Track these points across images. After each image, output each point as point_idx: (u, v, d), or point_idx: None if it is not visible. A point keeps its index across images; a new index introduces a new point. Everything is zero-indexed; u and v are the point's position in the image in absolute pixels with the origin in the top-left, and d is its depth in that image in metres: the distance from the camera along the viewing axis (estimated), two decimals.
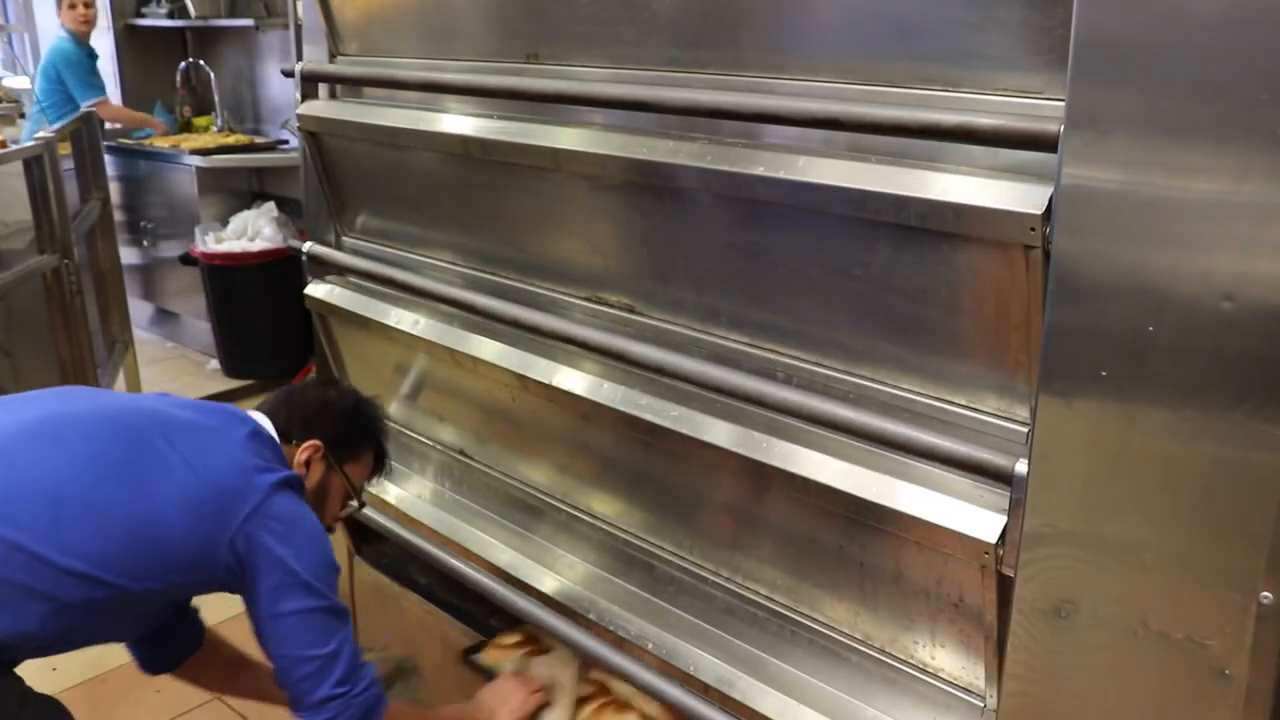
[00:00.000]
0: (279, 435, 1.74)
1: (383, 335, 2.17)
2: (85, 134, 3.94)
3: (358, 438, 1.84)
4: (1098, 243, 1.06)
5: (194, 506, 1.53)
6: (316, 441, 1.75)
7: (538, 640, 2.06)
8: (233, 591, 1.62)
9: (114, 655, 2.71)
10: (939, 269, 1.27)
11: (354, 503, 1.88)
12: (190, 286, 4.99)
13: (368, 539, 2.46)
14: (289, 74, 2.18)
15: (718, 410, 1.56)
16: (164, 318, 5.44)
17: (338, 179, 2.23)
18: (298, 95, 2.17)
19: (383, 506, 2.25)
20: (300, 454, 1.74)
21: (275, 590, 1.57)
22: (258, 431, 1.69)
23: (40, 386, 1.80)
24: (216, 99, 5.37)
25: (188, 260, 4.79)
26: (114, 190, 4.15)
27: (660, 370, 1.58)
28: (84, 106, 4.49)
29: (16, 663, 1.48)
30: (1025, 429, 1.25)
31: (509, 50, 1.79)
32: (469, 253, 2.00)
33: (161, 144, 5.14)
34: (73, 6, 4.84)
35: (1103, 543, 1.13)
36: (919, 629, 1.44)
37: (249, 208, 5.00)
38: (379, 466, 1.90)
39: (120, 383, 4.02)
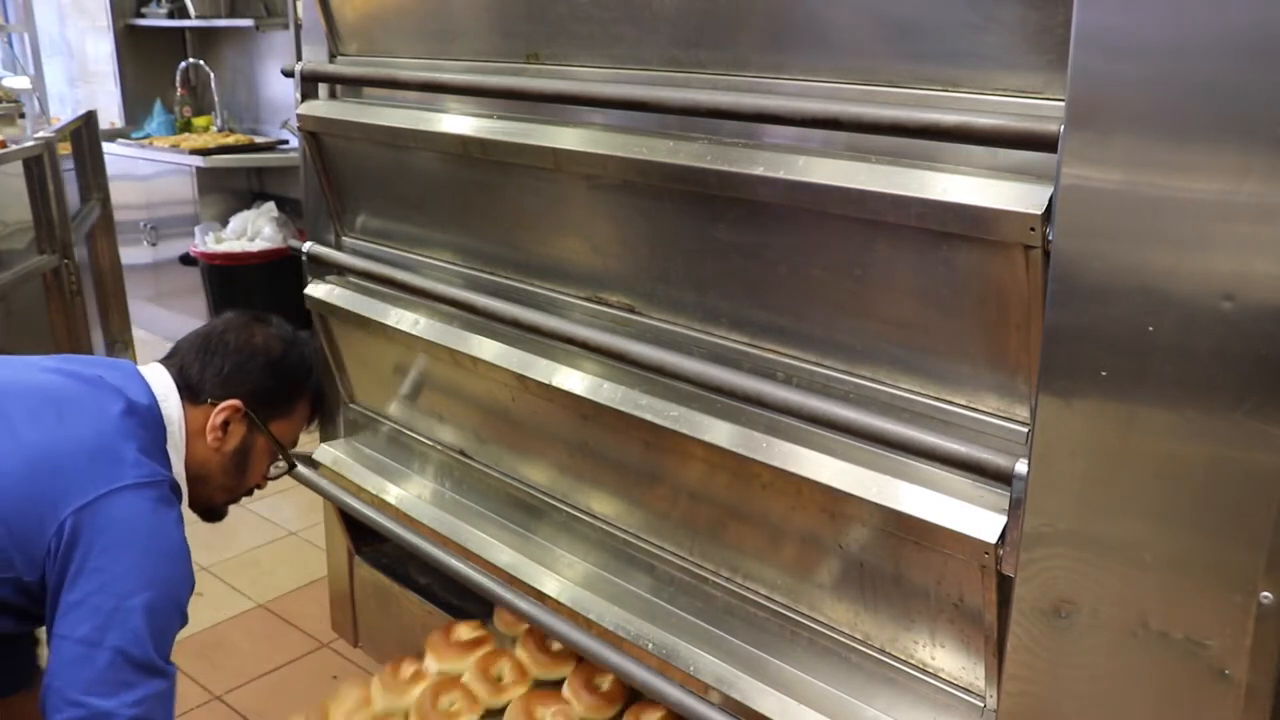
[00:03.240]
0: (187, 393, 1.57)
1: (383, 335, 2.17)
2: (85, 134, 3.93)
3: (287, 391, 1.66)
4: (1098, 243, 1.06)
5: (30, 471, 1.36)
6: (235, 403, 1.58)
7: (491, 637, 2.11)
8: (54, 597, 1.37)
9: None
10: (939, 269, 1.27)
11: (283, 464, 1.72)
12: (190, 286, 4.99)
13: (368, 539, 2.47)
14: (289, 74, 2.18)
15: (718, 410, 1.56)
16: (164, 318, 5.43)
17: (337, 179, 2.23)
18: (297, 95, 2.17)
19: (382, 506, 2.25)
20: (215, 417, 1.57)
21: (76, 606, 1.32)
22: (133, 407, 1.49)
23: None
24: (216, 99, 5.37)
25: (188, 260, 4.79)
26: (114, 190, 4.14)
27: (660, 370, 1.58)
28: None
29: None
30: (1025, 429, 1.25)
31: (509, 50, 1.79)
32: (469, 253, 2.00)
33: (161, 144, 5.14)
34: None
35: (1102, 543, 1.13)
36: (919, 629, 1.44)
37: (249, 208, 5.00)
38: (313, 416, 1.74)
39: None
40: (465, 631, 2.11)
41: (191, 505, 1.68)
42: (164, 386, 1.57)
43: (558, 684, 1.99)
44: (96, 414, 1.46)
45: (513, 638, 2.10)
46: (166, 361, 1.63)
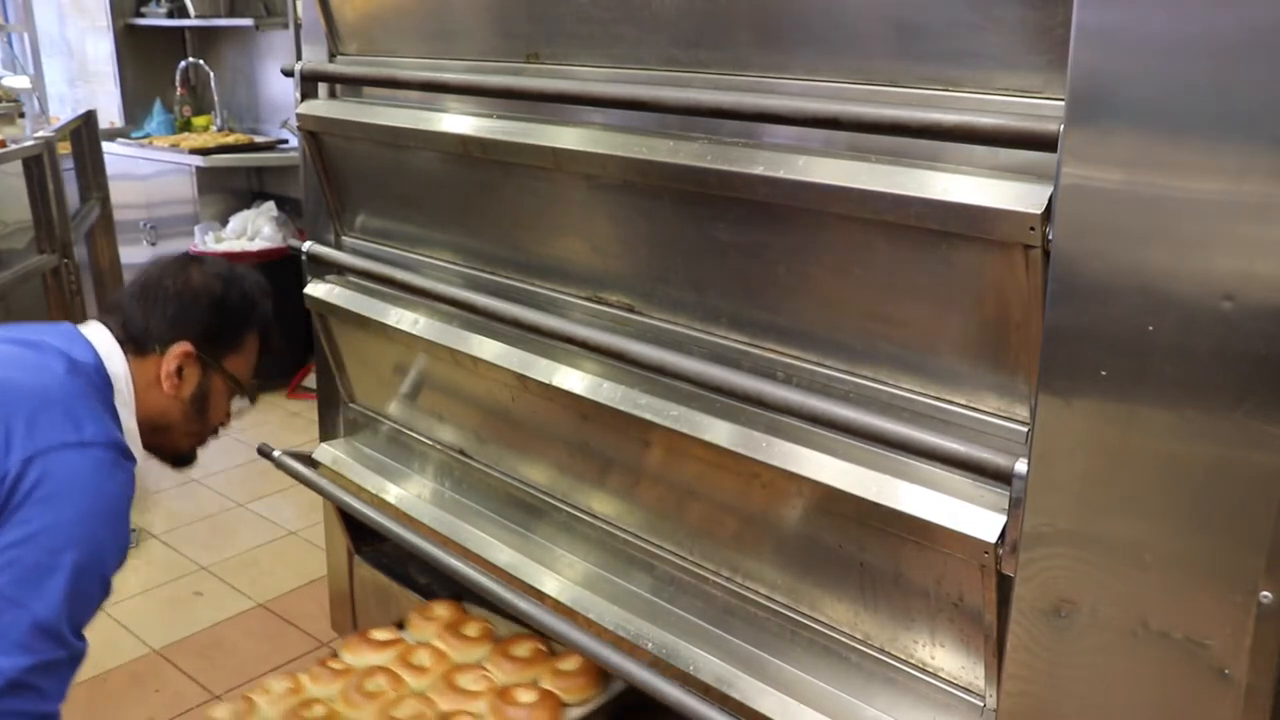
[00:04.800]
0: (133, 346, 1.56)
1: (383, 335, 2.17)
2: (85, 133, 3.93)
3: (235, 326, 1.63)
4: (1098, 243, 1.06)
5: None
6: (185, 347, 1.56)
7: (461, 618, 2.14)
8: None
9: (113, 655, 2.72)
10: (939, 269, 1.27)
11: (246, 400, 1.70)
12: None
13: (367, 539, 2.47)
14: (289, 73, 2.18)
15: (718, 410, 1.56)
16: None
17: (337, 179, 2.23)
18: (297, 95, 2.17)
19: (382, 506, 2.25)
20: (167, 364, 1.55)
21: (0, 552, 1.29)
22: (77, 366, 1.47)
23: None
24: (216, 98, 5.37)
25: None
26: (114, 190, 4.14)
27: (660, 370, 1.58)
28: None
29: None
30: (1025, 429, 1.25)
31: (509, 50, 1.79)
32: (469, 252, 2.00)
33: (161, 143, 5.14)
34: None
35: (1102, 542, 1.13)
36: (919, 629, 1.44)
37: (249, 207, 5.00)
38: (264, 348, 1.71)
39: None
40: (380, 634, 2.14)
41: (160, 455, 1.67)
42: (106, 344, 1.55)
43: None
44: (43, 373, 1.44)
45: (425, 640, 2.13)
46: (106, 318, 1.60)
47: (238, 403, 1.71)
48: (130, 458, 1.48)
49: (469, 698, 1.91)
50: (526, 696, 1.88)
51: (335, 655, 2.12)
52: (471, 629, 2.10)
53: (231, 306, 1.63)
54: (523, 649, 2.02)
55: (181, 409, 1.62)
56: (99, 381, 1.50)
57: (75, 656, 1.35)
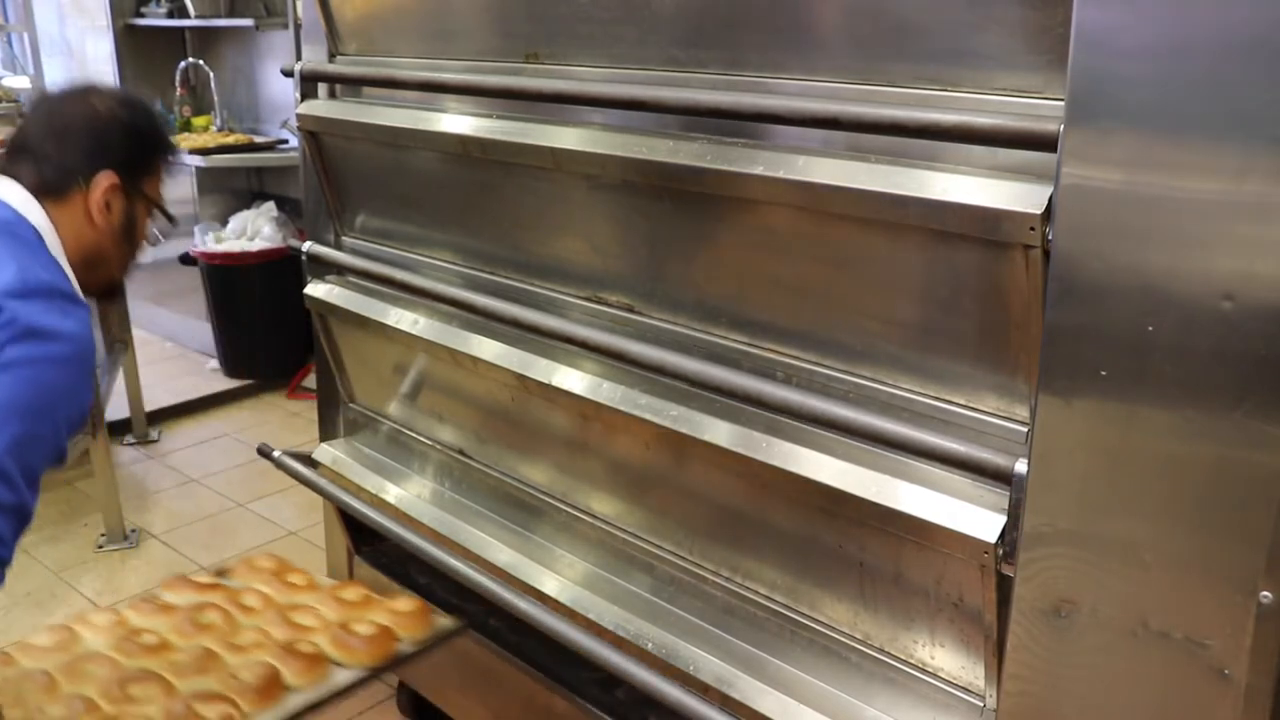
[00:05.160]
0: (51, 190, 1.52)
1: (382, 335, 2.17)
2: None
3: (149, 148, 1.62)
4: (1098, 242, 1.06)
5: None
6: (112, 178, 1.54)
7: (285, 569, 2.08)
8: None
9: None
10: (938, 269, 1.27)
11: (167, 222, 1.71)
12: (190, 286, 4.99)
13: (367, 539, 2.47)
14: (289, 74, 2.18)
15: (717, 410, 1.56)
16: (164, 318, 5.43)
17: (337, 179, 2.23)
18: (297, 95, 2.17)
19: (382, 506, 2.25)
20: (95, 198, 1.53)
21: None
22: (7, 226, 1.46)
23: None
24: (216, 99, 5.37)
25: (187, 260, 4.79)
26: None
27: (660, 370, 1.58)
28: None
29: None
30: (1025, 429, 1.25)
31: (509, 50, 1.79)
32: (469, 253, 2.00)
33: None
34: None
35: (1103, 542, 1.13)
36: (919, 629, 1.44)
37: (248, 207, 5.00)
38: (168, 164, 1.69)
39: (120, 383, 4.02)
40: (203, 578, 2.03)
41: (92, 292, 1.65)
42: (19, 197, 1.51)
43: None
44: None
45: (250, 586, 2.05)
46: (11, 170, 1.56)
47: (156, 227, 1.71)
48: (82, 303, 1.47)
49: (306, 631, 1.86)
50: (363, 629, 1.85)
51: (155, 595, 2.00)
52: (297, 578, 2.04)
53: (142, 130, 1.62)
54: (351, 593, 1.98)
55: (113, 239, 1.61)
56: (26, 234, 1.48)
57: (24, 506, 1.32)
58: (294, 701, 1.67)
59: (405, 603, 1.90)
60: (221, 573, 2.04)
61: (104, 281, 1.68)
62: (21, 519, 1.33)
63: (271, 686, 1.66)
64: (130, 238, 1.63)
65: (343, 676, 1.72)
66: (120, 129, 1.58)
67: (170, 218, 1.72)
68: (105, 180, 1.54)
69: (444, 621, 1.86)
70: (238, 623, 1.86)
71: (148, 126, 1.64)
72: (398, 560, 2.44)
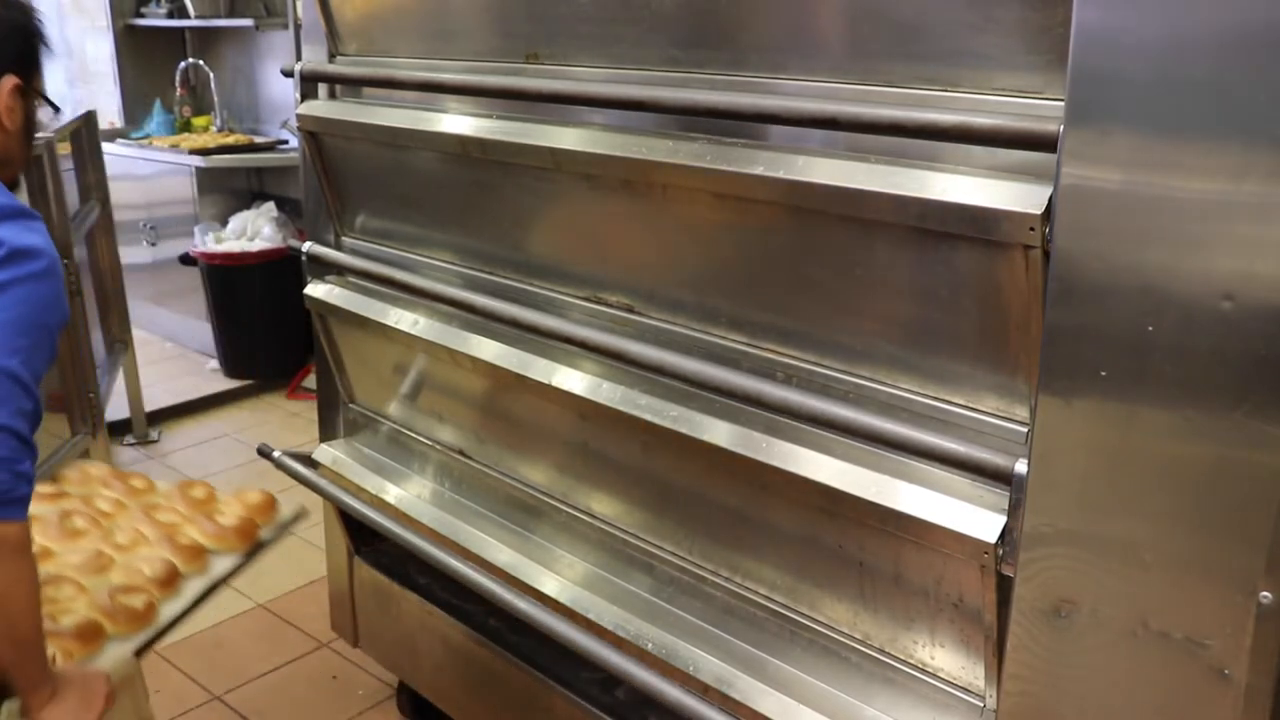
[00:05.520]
0: None
1: (382, 335, 2.17)
2: (85, 134, 3.93)
3: (34, 44, 1.60)
4: (1098, 243, 1.06)
5: None
6: (13, 80, 1.52)
7: (119, 474, 2.13)
8: None
9: None
10: (938, 269, 1.27)
11: (52, 110, 1.70)
12: (190, 286, 4.99)
13: (367, 539, 2.47)
14: (289, 74, 2.18)
15: (717, 410, 1.56)
16: (164, 318, 5.44)
17: (337, 179, 2.23)
18: (297, 95, 2.17)
19: (382, 506, 2.25)
20: (2, 104, 1.52)
21: None
22: None
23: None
24: (216, 99, 5.38)
25: (188, 260, 4.79)
26: (114, 190, 4.14)
27: (659, 370, 1.58)
28: None
29: None
30: (1025, 429, 1.25)
31: (508, 50, 1.79)
32: (468, 253, 2.00)
33: (161, 144, 5.14)
34: None
35: (1103, 543, 1.13)
36: (919, 629, 1.44)
37: (249, 208, 5.00)
38: (47, 54, 1.68)
39: (120, 383, 4.02)
40: (43, 488, 2.04)
41: None
42: None
43: None
44: None
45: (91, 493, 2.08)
46: None
47: (43, 116, 1.71)
48: (37, 214, 1.51)
49: (174, 527, 1.92)
50: (227, 520, 1.96)
51: None
52: (138, 481, 2.09)
53: (26, 26, 1.62)
54: (199, 490, 2.06)
55: (17, 138, 1.61)
56: None
57: (40, 409, 1.42)
58: (192, 587, 1.84)
59: (254, 495, 2.06)
60: (56, 479, 2.11)
61: (8, 181, 1.67)
62: (38, 420, 1.43)
63: (172, 576, 1.81)
64: (30, 133, 1.63)
65: (223, 564, 1.91)
66: (8, 30, 1.57)
67: (55, 106, 1.73)
68: (8, 83, 1.54)
69: (286, 512, 2.11)
70: (108, 526, 1.94)
71: (28, 22, 1.62)
72: (398, 560, 2.45)
